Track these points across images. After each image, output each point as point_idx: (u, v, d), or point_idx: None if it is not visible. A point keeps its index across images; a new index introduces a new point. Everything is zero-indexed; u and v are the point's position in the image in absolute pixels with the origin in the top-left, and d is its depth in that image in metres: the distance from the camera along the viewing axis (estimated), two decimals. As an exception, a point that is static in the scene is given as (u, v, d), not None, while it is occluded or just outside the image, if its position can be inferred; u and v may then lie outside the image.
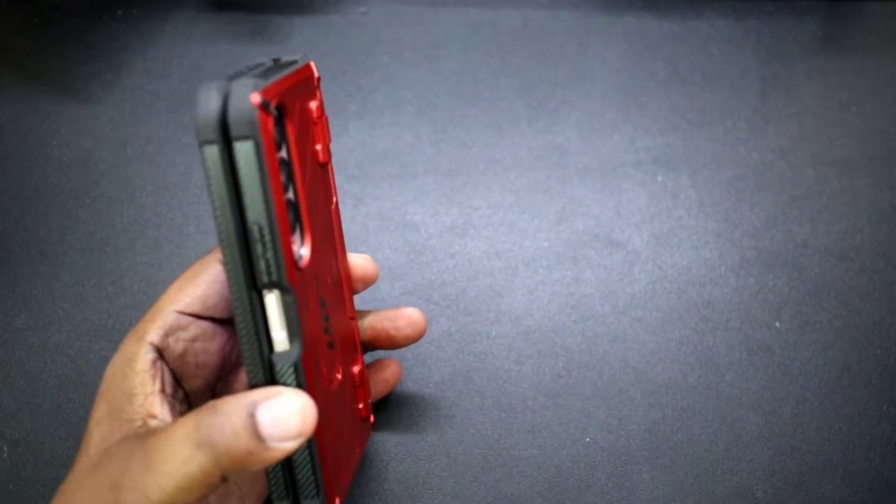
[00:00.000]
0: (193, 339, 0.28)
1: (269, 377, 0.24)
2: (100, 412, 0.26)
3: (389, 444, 0.36)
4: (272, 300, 0.23)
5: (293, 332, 0.24)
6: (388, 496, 0.34)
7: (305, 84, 0.26)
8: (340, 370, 0.29)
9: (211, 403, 0.23)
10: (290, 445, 0.23)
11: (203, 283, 0.28)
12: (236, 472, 0.23)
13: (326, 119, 0.28)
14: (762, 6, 0.48)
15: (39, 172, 0.43)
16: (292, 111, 0.24)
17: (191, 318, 0.28)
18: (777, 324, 0.39)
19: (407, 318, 0.33)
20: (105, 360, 0.38)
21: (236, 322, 0.24)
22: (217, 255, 0.29)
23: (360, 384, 0.31)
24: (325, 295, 0.27)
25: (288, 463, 0.25)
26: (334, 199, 0.29)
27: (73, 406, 0.37)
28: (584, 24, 0.48)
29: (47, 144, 0.44)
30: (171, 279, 0.40)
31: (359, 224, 0.42)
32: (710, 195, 0.43)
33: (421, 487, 0.35)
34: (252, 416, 0.23)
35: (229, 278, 0.23)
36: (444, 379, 0.37)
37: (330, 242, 0.28)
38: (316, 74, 0.28)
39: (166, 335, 0.27)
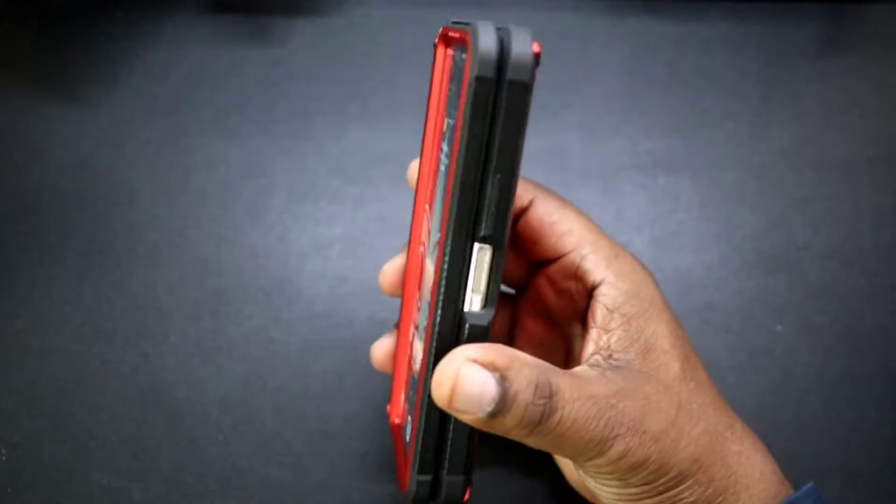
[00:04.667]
0: None
1: (456, 335, 0.23)
2: None
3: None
4: (485, 254, 0.23)
5: (492, 295, 0.23)
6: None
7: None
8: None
9: None
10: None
11: None
12: None
13: None
14: (764, 9, 0.48)
15: (38, 175, 0.43)
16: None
17: None
18: (778, 327, 0.39)
19: None
20: (104, 363, 0.38)
21: (439, 270, 0.23)
22: None
23: None
24: None
25: (443, 435, 0.24)
26: None
27: (72, 409, 0.36)
28: (584, 26, 0.48)
29: (46, 147, 0.44)
30: (170, 282, 0.40)
31: (359, 227, 0.42)
32: (712, 198, 0.43)
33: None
34: None
35: (450, 221, 0.22)
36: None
37: None
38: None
39: None
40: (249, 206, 0.42)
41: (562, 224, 0.28)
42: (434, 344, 0.23)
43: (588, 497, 0.30)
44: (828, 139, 0.44)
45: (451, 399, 0.23)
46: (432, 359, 0.23)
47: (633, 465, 0.25)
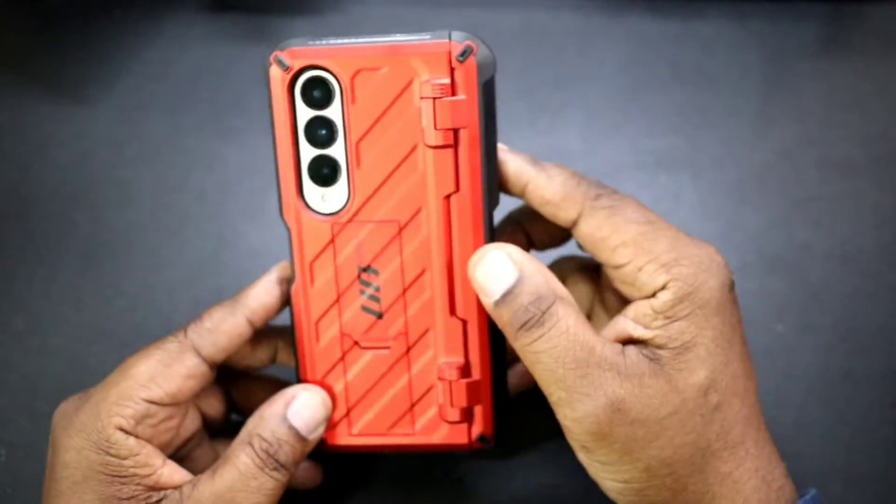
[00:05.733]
0: (158, 423, 0.29)
1: None
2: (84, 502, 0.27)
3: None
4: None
5: (291, 262, 0.30)
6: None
7: (421, 59, 0.27)
8: (390, 341, 0.30)
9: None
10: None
11: (178, 376, 0.29)
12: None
13: (465, 102, 0.28)
14: (764, 7, 0.48)
15: (37, 174, 0.43)
16: (357, 78, 0.28)
17: (159, 407, 0.28)
18: (779, 327, 0.39)
19: None
20: (104, 364, 0.38)
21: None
22: (193, 345, 0.29)
23: (463, 391, 0.30)
24: (380, 265, 0.29)
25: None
26: (461, 189, 0.29)
27: (71, 410, 0.36)
28: (584, 25, 0.48)
29: (45, 146, 0.44)
30: (169, 282, 0.40)
31: (358, 226, 0.41)
32: (713, 197, 0.42)
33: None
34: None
35: None
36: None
37: (421, 227, 0.29)
38: (453, 54, 0.27)
39: (136, 424, 0.28)
40: (248, 205, 0.42)
41: (613, 238, 0.28)
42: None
43: None
44: (829, 138, 0.44)
45: (474, 269, 0.27)
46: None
47: (595, 434, 0.26)
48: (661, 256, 0.27)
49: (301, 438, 0.29)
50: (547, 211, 0.29)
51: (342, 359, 0.30)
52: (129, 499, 0.27)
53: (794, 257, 0.40)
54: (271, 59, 0.27)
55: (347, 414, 0.31)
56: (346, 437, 0.31)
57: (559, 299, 0.26)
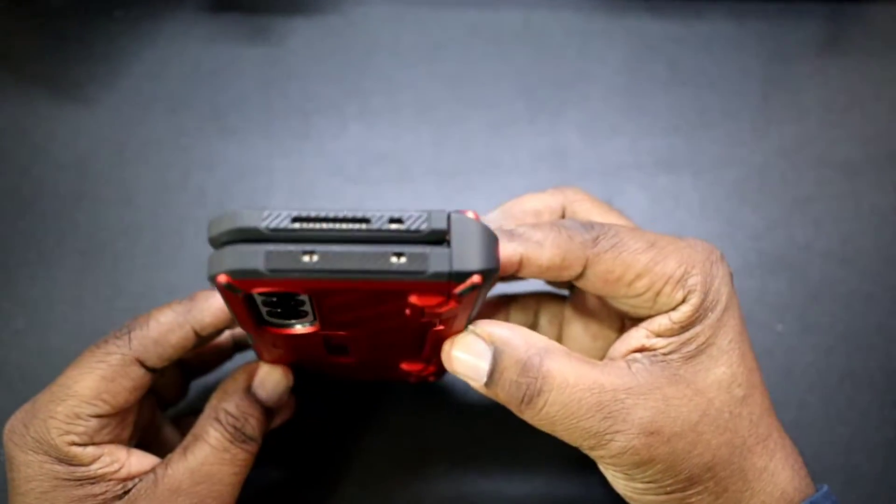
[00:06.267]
0: (113, 428, 0.29)
1: None
2: None
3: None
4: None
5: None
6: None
7: (414, 298, 0.23)
8: (355, 363, 0.30)
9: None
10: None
11: (123, 391, 0.28)
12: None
13: (460, 307, 0.23)
14: (764, 7, 0.48)
15: (37, 174, 0.43)
16: (331, 297, 0.23)
17: (109, 417, 0.28)
18: (779, 327, 0.39)
19: None
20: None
21: None
22: (135, 357, 0.28)
23: (421, 375, 0.32)
24: (349, 344, 0.28)
25: None
26: (443, 325, 0.26)
27: (71, 410, 0.36)
28: (584, 25, 0.48)
29: (45, 146, 0.44)
30: (169, 282, 0.40)
31: (358, 226, 0.41)
32: (712, 197, 0.42)
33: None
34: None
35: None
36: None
37: (395, 334, 0.27)
38: (455, 291, 0.22)
39: (90, 438, 0.28)
40: (248, 205, 0.42)
41: (628, 274, 0.27)
42: None
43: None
44: (828, 138, 0.44)
45: (450, 362, 0.26)
46: None
47: (637, 463, 0.25)
48: (675, 275, 0.27)
49: (266, 410, 0.30)
50: (549, 276, 0.27)
51: (306, 362, 0.31)
52: (102, 493, 0.27)
53: (794, 257, 0.40)
54: (218, 281, 0.21)
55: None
56: None
57: (544, 353, 0.25)
